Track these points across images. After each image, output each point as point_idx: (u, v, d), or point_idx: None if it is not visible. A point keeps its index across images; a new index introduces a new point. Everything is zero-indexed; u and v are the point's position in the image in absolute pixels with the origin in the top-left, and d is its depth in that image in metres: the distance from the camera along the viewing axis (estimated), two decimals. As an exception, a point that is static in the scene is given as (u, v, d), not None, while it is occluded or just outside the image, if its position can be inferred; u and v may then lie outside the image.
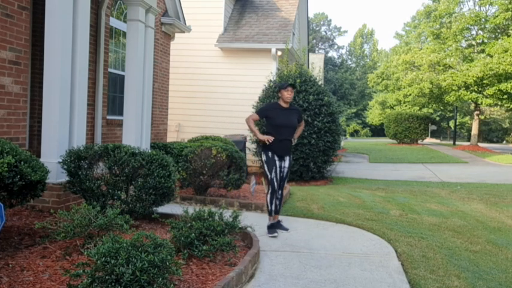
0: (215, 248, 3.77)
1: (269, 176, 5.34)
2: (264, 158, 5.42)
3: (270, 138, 5.24)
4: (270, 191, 5.38)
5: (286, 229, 5.45)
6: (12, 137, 5.30)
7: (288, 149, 5.46)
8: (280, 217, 5.65)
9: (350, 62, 66.16)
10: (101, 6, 7.37)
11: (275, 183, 5.35)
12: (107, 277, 2.65)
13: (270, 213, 5.41)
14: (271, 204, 5.38)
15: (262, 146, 5.43)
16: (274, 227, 5.34)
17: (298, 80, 11.40)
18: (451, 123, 42.96)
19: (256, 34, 13.79)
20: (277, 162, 5.38)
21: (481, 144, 29.65)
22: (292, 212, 6.58)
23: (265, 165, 5.41)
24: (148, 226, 4.75)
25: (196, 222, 3.94)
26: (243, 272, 3.56)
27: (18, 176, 3.52)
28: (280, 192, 5.51)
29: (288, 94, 5.46)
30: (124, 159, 4.55)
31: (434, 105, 30.17)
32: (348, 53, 67.17)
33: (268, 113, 5.48)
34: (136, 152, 4.68)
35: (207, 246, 3.75)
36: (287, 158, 5.47)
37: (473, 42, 26.73)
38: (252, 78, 13.36)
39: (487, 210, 7.87)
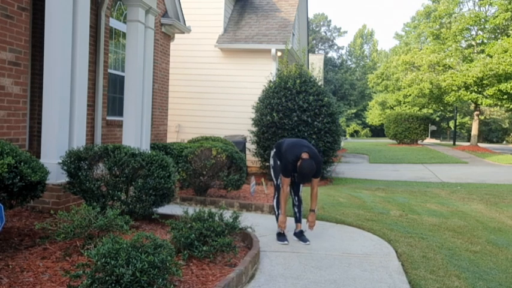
0: (215, 248, 3.77)
1: (275, 182, 5.15)
2: (271, 163, 5.20)
3: (283, 225, 4.98)
4: (276, 195, 5.19)
5: (306, 241, 4.97)
6: (12, 138, 5.30)
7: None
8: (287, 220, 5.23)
9: (350, 63, 66.20)
10: (101, 6, 7.37)
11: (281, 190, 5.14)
12: (107, 278, 2.65)
13: (277, 219, 5.16)
14: (277, 209, 5.17)
15: (273, 152, 5.20)
16: (285, 235, 5.02)
17: (298, 81, 11.41)
18: (451, 124, 42.98)
19: (256, 35, 13.79)
20: None
21: (480, 145, 29.68)
22: (291, 212, 6.57)
23: (271, 171, 5.22)
24: (148, 227, 4.75)
25: (196, 223, 3.94)
26: (243, 272, 3.56)
27: (18, 177, 3.52)
28: (297, 198, 5.20)
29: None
30: (124, 160, 4.55)
31: (434, 105, 30.20)
32: (347, 53, 67.24)
33: (290, 170, 4.94)
34: (136, 152, 4.68)
35: (207, 247, 3.75)
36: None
37: (473, 43, 26.76)
38: (252, 78, 13.36)
39: (487, 210, 7.87)
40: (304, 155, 4.77)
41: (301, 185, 5.27)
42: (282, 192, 4.94)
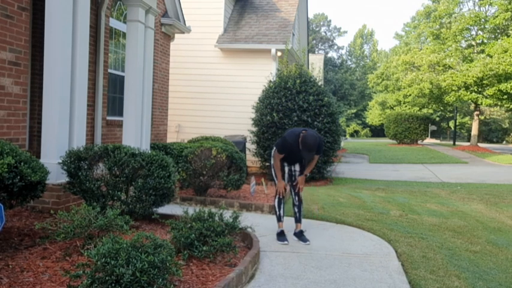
0: (215, 248, 3.77)
1: (276, 181, 5.16)
2: (272, 162, 5.21)
3: (282, 190, 5.10)
4: (277, 195, 5.19)
5: (306, 241, 4.98)
6: (12, 138, 5.30)
7: (298, 162, 5.21)
8: (287, 220, 5.31)
9: (350, 63, 66.20)
10: (101, 6, 7.37)
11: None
12: (106, 278, 2.65)
13: (278, 219, 5.17)
14: (278, 208, 5.18)
15: (274, 151, 5.23)
16: (285, 235, 5.04)
17: (298, 81, 11.41)
18: (451, 124, 42.98)
19: (256, 35, 13.79)
20: (287, 167, 5.17)
21: (480, 145, 29.68)
22: (291, 212, 6.57)
23: (272, 170, 5.22)
24: (148, 227, 4.75)
25: (196, 222, 3.94)
26: (243, 272, 3.56)
27: (18, 177, 3.52)
28: (297, 198, 5.21)
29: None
30: (124, 159, 4.54)
31: (434, 105, 30.21)
32: (347, 53, 67.24)
33: (289, 150, 5.02)
34: (136, 152, 4.68)
35: (207, 247, 3.75)
36: (297, 163, 5.22)
37: (473, 43, 26.76)
38: (252, 78, 13.36)
39: (487, 210, 7.87)
40: (304, 132, 4.89)
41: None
42: (275, 165, 5.08)
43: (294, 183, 5.24)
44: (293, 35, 15.78)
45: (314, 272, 4.03)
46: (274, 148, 5.26)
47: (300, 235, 5.12)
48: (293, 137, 4.92)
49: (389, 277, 4.01)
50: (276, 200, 5.22)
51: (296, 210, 5.23)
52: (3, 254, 3.44)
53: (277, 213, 5.20)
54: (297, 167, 5.24)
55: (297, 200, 5.23)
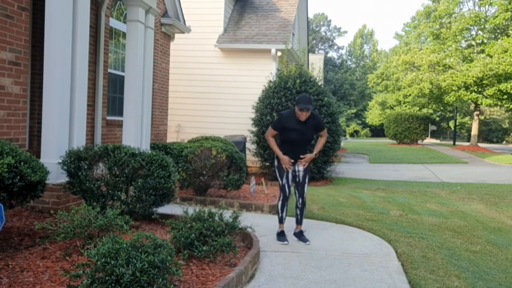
0: (215, 248, 3.77)
1: (280, 182, 5.12)
2: (275, 163, 5.19)
3: (288, 165, 5.05)
4: (281, 197, 5.15)
5: (306, 241, 5.01)
6: (12, 138, 5.30)
7: (302, 155, 5.17)
8: (288, 220, 5.30)
9: (350, 63, 66.21)
10: (101, 6, 7.37)
11: (286, 190, 5.10)
12: (106, 278, 2.65)
13: (279, 221, 5.16)
14: (281, 211, 5.15)
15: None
16: (285, 235, 5.08)
17: (298, 81, 11.41)
18: (451, 124, 42.99)
19: (256, 34, 13.79)
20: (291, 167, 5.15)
21: (480, 145, 29.69)
22: (292, 212, 6.57)
23: (276, 171, 5.17)
24: (148, 227, 4.75)
25: (196, 222, 3.94)
26: (243, 272, 3.56)
27: (18, 177, 3.52)
28: (301, 200, 5.17)
29: (301, 114, 4.90)
30: (124, 159, 4.54)
31: (434, 105, 30.22)
32: (347, 53, 67.26)
33: (284, 125, 5.03)
34: (136, 152, 4.68)
35: (207, 247, 3.75)
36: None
37: (473, 43, 26.77)
38: (252, 78, 13.36)
39: (487, 210, 7.88)
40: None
41: (305, 185, 5.21)
42: (270, 142, 5.20)
43: (299, 187, 5.18)
44: (293, 35, 15.78)
45: (314, 272, 4.03)
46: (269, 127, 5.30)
47: (299, 235, 5.12)
48: (287, 112, 5.16)
49: (389, 277, 4.01)
50: (280, 202, 5.18)
51: (298, 212, 5.22)
52: (3, 254, 3.44)
53: (280, 215, 5.18)
54: (301, 167, 5.17)
55: (300, 202, 5.20)
